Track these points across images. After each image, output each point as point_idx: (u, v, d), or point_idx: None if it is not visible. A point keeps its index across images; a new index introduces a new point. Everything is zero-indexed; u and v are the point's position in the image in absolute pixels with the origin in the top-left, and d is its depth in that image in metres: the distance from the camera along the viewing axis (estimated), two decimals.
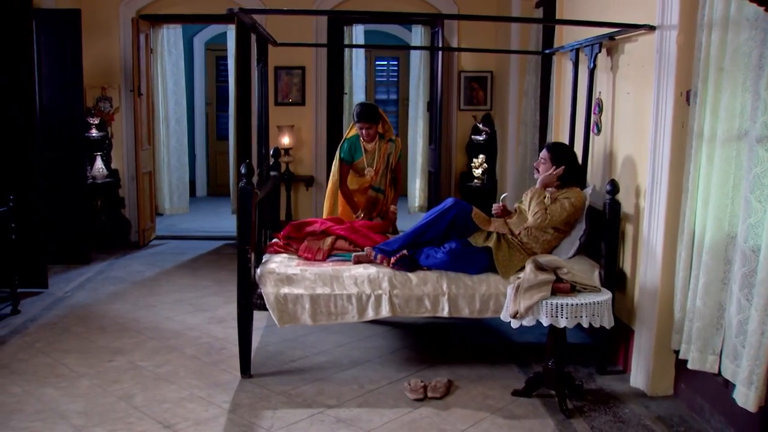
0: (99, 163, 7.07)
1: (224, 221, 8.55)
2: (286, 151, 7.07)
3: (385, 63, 10.59)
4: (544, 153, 4.09)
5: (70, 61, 6.17)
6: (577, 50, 4.51)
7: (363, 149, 4.87)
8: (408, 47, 8.18)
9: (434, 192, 7.10)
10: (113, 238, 7.20)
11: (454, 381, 3.86)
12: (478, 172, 6.89)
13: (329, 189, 5.08)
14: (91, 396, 3.63)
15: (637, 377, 3.78)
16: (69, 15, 6.15)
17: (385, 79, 10.64)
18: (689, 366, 3.30)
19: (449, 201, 4.13)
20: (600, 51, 4.16)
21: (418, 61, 7.71)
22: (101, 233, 7.06)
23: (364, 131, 4.79)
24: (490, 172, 6.95)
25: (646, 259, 3.71)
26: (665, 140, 3.54)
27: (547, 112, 5.60)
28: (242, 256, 3.79)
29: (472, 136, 7.08)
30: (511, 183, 6.40)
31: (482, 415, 3.49)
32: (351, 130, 4.97)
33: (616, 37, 4.00)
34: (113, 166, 7.33)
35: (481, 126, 6.98)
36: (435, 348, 4.44)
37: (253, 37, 6.58)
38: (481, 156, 6.88)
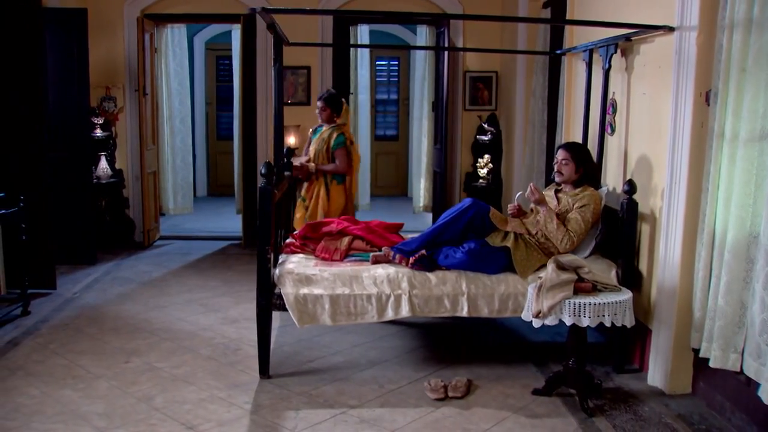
0: (103, 163, 7.05)
1: (227, 221, 8.53)
2: (292, 150, 7.05)
3: (386, 63, 10.59)
4: (563, 153, 4.10)
5: (77, 60, 6.14)
6: (591, 51, 4.53)
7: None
8: (414, 47, 8.19)
9: (440, 192, 7.12)
10: (117, 239, 7.17)
11: (473, 380, 3.87)
12: (483, 171, 6.91)
13: None
14: (110, 397, 3.61)
15: (655, 376, 3.81)
16: (76, 14, 6.12)
17: (385, 79, 10.64)
18: (711, 364, 3.32)
19: (467, 201, 4.13)
20: (615, 52, 4.17)
21: (423, 61, 7.73)
22: (106, 233, 7.03)
23: (317, 111, 5.33)
24: (495, 172, 6.97)
25: (664, 258, 3.73)
26: (684, 140, 3.57)
27: (556, 112, 5.62)
28: (262, 257, 3.78)
29: (477, 136, 7.10)
30: (518, 182, 6.43)
31: (504, 414, 3.50)
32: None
33: (633, 38, 4.01)
34: (117, 166, 7.31)
35: (486, 126, 7.00)
36: (451, 348, 4.45)
37: (264, 37, 6.62)
38: (486, 156, 6.90)
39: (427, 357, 4.28)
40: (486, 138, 6.98)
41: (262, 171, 3.79)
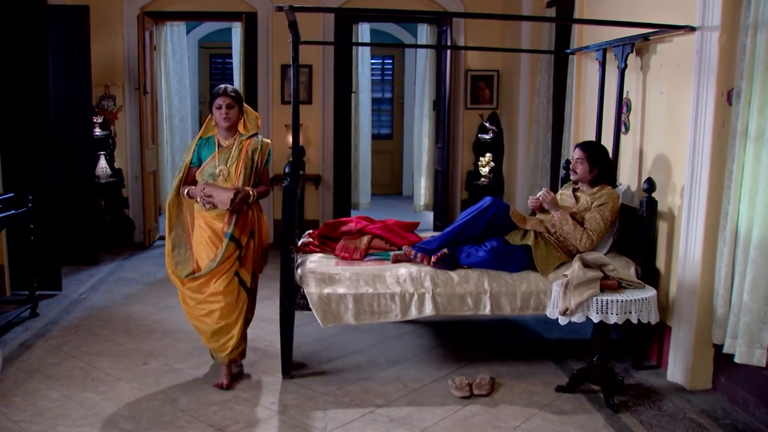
0: (102, 163, 6.96)
1: None
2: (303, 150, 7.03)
3: (380, 61, 10.57)
4: (579, 153, 4.13)
5: (78, 58, 6.06)
6: (605, 50, 4.56)
7: (216, 144, 3.74)
8: (418, 46, 8.15)
9: (442, 190, 7.14)
10: (117, 239, 7.09)
11: (496, 378, 3.89)
12: (485, 170, 6.94)
13: (168, 203, 3.81)
14: (133, 400, 3.57)
15: (675, 372, 3.85)
16: (77, 12, 6.04)
17: (379, 77, 10.63)
18: (737, 360, 3.37)
19: (487, 200, 4.14)
20: (632, 51, 4.21)
21: (423, 60, 7.74)
22: (105, 234, 6.94)
23: (224, 109, 3.66)
24: (496, 171, 7.00)
25: (684, 256, 3.78)
26: (705, 139, 3.61)
27: (562, 111, 5.66)
28: (286, 257, 3.77)
29: (479, 135, 7.13)
30: (521, 181, 6.47)
31: (531, 411, 3.53)
32: (205, 127, 3.82)
33: (651, 38, 4.05)
34: (116, 165, 7.22)
35: (487, 125, 7.03)
36: (468, 346, 4.46)
37: (265, 36, 6.56)
38: (488, 154, 6.93)
39: (446, 355, 4.29)
40: (487, 137, 7.01)
41: (287, 170, 3.77)
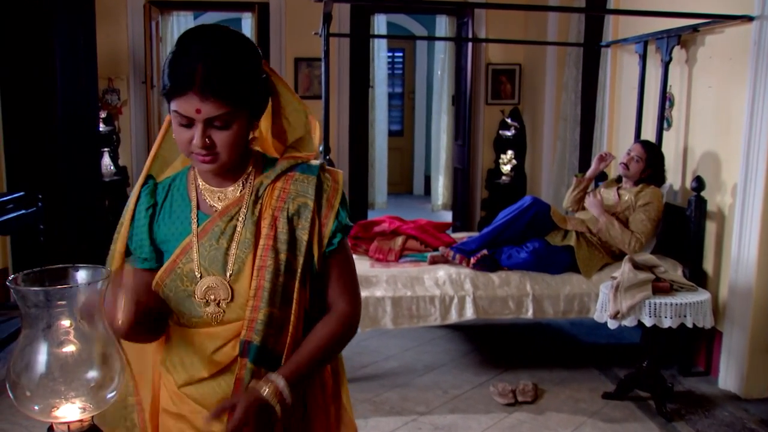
0: (106, 160, 6.71)
1: None
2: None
3: (390, 55, 10.34)
4: (640, 151, 3.95)
5: (83, 49, 5.80)
6: (646, 42, 4.39)
7: (194, 203, 1.44)
8: (438, 38, 7.92)
9: (461, 189, 6.95)
10: None
11: (538, 384, 3.72)
12: (506, 168, 6.75)
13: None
14: None
15: (727, 379, 3.69)
16: (83, 1, 5.78)
17: (390, 71, 10.40)
18: None
19: (528, 199, 3.97)
20: (678, 43, 4.04)
21: (442, 53, 7.54)
22: (109, 234, 6.68)
23: (199, 132, 1.30)
24: (518, 169, 6.81)
25: (736, 258, 3.61)
26: (762, 136, 3.44)
27: (592, 106, 5.48)
28: None
29: (500, 132, 6.94)
30: (546, 179, 6.29)
31: (580, 419, 3.36)
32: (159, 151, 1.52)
33: (700, 29, 3.88)
34: (121, 163, 6.98)
35: (509, 121, 6.85)
36: (505, 350, 4.29)
37: (278, 28, 6.34)
38: (509, 152, 6.74)
39: (483, 360, 4.11)
40: (509, 133, 6.82)
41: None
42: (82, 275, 1.27)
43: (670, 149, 4.28)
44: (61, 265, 1.28)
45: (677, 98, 4.24)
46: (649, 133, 4.42)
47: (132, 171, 6.99)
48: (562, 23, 5.89)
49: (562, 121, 5.86)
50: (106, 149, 6.71)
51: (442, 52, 7.53)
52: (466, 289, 3.69)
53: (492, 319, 3.82)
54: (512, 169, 6.72)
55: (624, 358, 4.02)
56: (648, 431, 3.27)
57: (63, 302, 1.20)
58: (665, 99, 4.25)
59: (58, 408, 1.21)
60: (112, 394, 1.25)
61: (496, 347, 4.34)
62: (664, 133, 4.33)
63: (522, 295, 3.73)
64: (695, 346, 3.96)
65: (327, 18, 3.59)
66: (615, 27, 4.98)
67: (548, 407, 3.49)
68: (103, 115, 6.71)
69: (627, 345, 4.27)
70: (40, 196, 4.66)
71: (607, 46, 5.02)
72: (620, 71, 5.01)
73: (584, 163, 5.55)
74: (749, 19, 3.48)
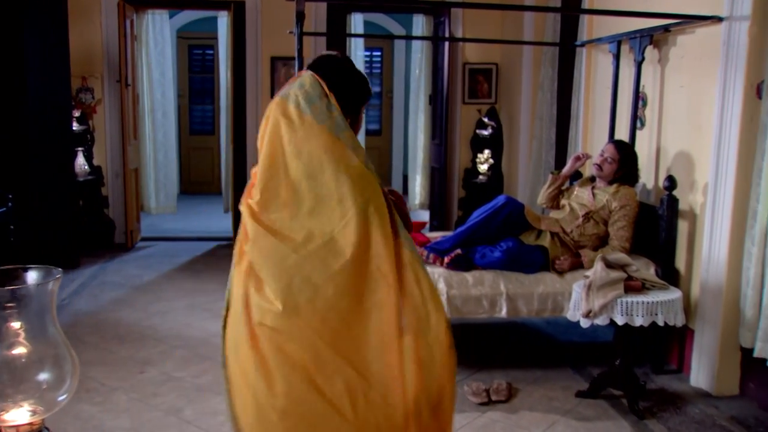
0: (80, 159, 6.64)
1: (209, 221, 8.20)
2: None
3: (368, 54, 10.33)
4: (613, 152, 3.97)
5: (56, 47, 5.73)
6: (619, 42, 4.41)
7: None
8: (414, 37, 7.90)
9: (439, 188, 6.95)
10: (97, 240, 6.76)
11: (513, 383, 3.72)
12: (483, 167, 6.77)
13: None
14: (133, 411, 3.34)
15: (699, 377, 3.71)
16: None
17: (368, 70, 10.39)
18: None
19: (501, 198, 3.98)
20: (650, 43, 4.07)
21: (419, 53, 7.53)
22: (84, 235, 6.59)
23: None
24: (495, 168, 6.83)
25: (707, 256, 3.64)
26: (732, 135, 3.47)
27: (567, 106, 5.51)
28: None
29: (477, 131, 6.95)
30: (523, 177, 6.31)
31: (553, 417, 3.37)
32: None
33: (672, 29, 3.91)
34: (95, 162, 6.90)
35: (486, 120, 6.86)
36: (479, 350, 4.29)
37: (254, 26, 6.27)
38: (486, 151, 6.76)
39: (458, 360, 4.09)
40: (486, 132, 6.84)
41: None
42: (32, 276, 1.25)
43: (643, 148, 4.31)
44: (11, 266, 1.26)
45: (650, 97, 4.28)
46: (622, 133, 4.45)
47: (106, 170, 6.91)
48: (538, 23, 5.91)
49: (538, 120, 5.88)
50: (80, 148, 6.64)
51: (420, 52, 7.53)
52: (440, 288, 3.67)
53: (466, 318, 3.82)
54: (489, 168, 6.73)
55: (599, 356, 4.03)
56: (620, 429, 3.28)
57: (12, 304, 1.18)
58: (638, 98, 4.27)
59: (7, 411, 1.19)
60: (64, 396, 1.23)
61: (470, 347, 4.33)
62: (638, 132, 4.36)
63: (496, 294, 3.73)
64: (668, 344, 3.99)
65: (300, 17, 3.56)
66: (590, 27, 5.01)
67: (522, 406, 3.49)
68: (77, 114, 6.64)
69: (602, 343, 4.28)
70: (10, 196, 4.59)
71: (582, 45, 5.05)
72: (595, 71, 5.04)
73: (560, 161, 5.58)
74: (718, 19, 3.51)
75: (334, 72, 2.09)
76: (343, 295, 1.88)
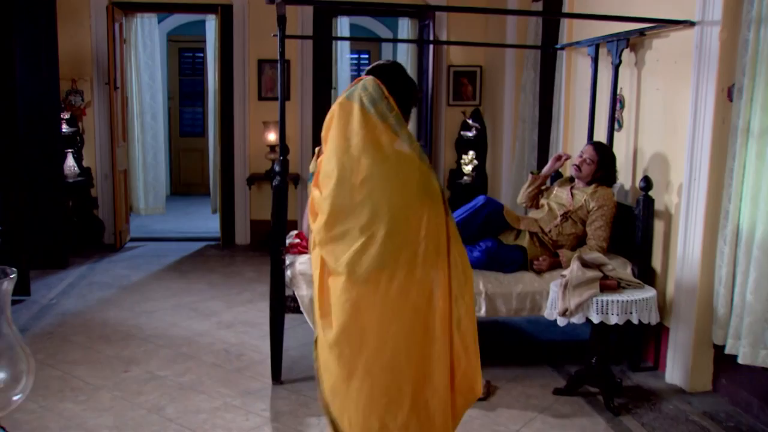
0: (70, 161, 6.69)
1: (199, 221, 8.25)
2: (272, 148, 6.83)
3: (356, 56, 10.40)
4: (592, 153, 4.04)
5: (45, 49, 5.78)
6: (597, 46, 4.49)
7: None
8: (400, 40, 7.99)
9: None
10: (86, 241, 6.82)
11: (491, 381, 3.79)
12: (467, 168, 6.83)
13: None
14: (117, 409, 3.39)
15: (674, 373, 3.79)
16: (44, 1, 5.74)
17: (355, 73, 10.46)
18: (740, 361, 3.31)
19: (481, 199, 4.04)
20: (627, 47, 4.14)
21: (404, 55, 7.60)
22: (73, 235, 6.65)
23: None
24: (479, 169, 6.90)
25: (682, 255, 3.72)
26: (705, 137, 3.55)
27: (549, 108, 5.59)
28: (276, 258, 3.61)
29: (461, 132, 7.02)
30: (506, 178, 6.38)
31: (531, 414, 3.43)
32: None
33: (647, 33, 3.99)
34: (85, 164, 6.95)
35: (470, 122, 6.93)
36: None
37: (242, 29, 6.31)
38: (470, 152, 6.82)
39: None
40: (470, 134, 6.91)
41: (276, 169, 3.62)
42: None
43: (620, 150, 4.39)
44: None
45: (627, 100, 4.35)
46: (601, 134, 4.53)
47: (96, 172, 6.95)
48: (521, 26, 5.99)
49: (521, 122, 5.95)
50: (69, 150, 6.69)
51: (405, 54, 7.60)
52: None
53: None
54: (474, 169, 6.80)
55: (577, 354, 4.09)
56: (595, 425, 3.34)
57: None
58: (616, 101, 4.35)
59: None
60: (18, 396, 1.24)
61: None
62: (615, 134, 4.44)
63: (475, 293, 3.78)
64: (645, 342, 4.07)
65: (281, 20, 3.62)
66: (570, 30, 5.09)
67: (500, 403, 3.56)
68: (66, 116, 6.68)
69: (580, 341, 4.34)
70: None
71: (562, 48, 5.13)
72: (575, 73, 5.12)
73: (542, 163, 5.63)
74: (691, 24, 3.59)
75: (392, 77, 2.45)
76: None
